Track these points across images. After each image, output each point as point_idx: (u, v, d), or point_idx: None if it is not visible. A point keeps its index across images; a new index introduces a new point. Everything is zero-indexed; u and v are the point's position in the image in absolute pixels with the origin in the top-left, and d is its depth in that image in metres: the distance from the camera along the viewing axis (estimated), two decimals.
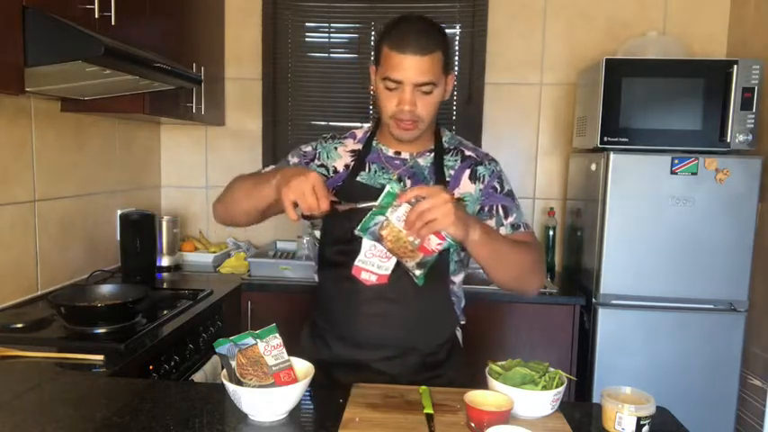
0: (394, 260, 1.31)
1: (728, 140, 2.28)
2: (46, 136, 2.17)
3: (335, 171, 1.45)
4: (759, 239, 2.28)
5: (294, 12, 3.00)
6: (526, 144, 2.99)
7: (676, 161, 2.26)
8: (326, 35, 3.03)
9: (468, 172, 1.42)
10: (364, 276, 1.33)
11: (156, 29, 2.23)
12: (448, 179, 1.41)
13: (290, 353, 1.22)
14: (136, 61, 1.78)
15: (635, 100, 2.33)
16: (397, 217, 1.18)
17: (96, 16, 1.73)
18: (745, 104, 2.26)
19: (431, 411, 1.14)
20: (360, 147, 1.47)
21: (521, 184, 2.99)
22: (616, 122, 2.34)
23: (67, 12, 1.62)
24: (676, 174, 2.27)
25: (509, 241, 1.33)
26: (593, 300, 2.38)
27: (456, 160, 1.44)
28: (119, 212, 2.51)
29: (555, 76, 2.93)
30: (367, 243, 1.31)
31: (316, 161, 1.47)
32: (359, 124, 1.54)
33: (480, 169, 1.43)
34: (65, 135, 2.28)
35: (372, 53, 1.38)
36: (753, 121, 2.27)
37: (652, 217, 2.29)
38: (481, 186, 1.42)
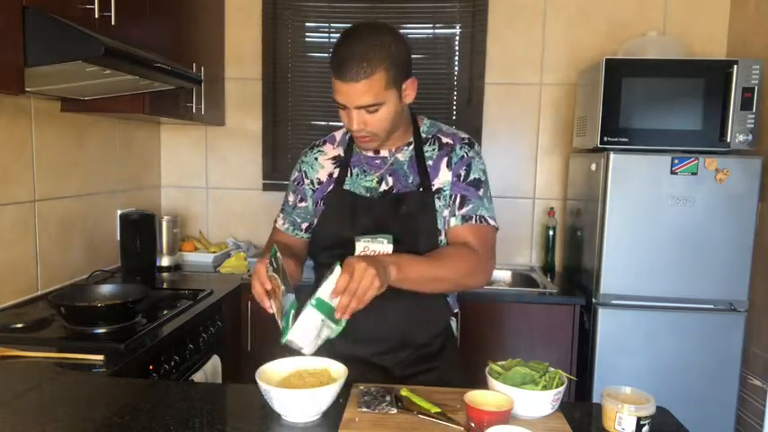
0: None
1: (728, 140, 2.28)
2: (46, 136, 2.17)
3: (320, 182, 1.47)
4: (759, 239, 2.28)
5: (294, 12, 3.00)
6: (526, 144, 2.99)
7: (676, 161, 2.26)
8: (326, 35, 3.03)
9: (445, 160, 1.43)
10: None
11: (156, 29, 2.23)
12: (429, 170, 1.42)
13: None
14: (136, 61, 1.78)
15: (635, 100, 2.33)
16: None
17: (96, 16, 1.73)
18: (745, 104, 2.26)
19: (438, 410, 1.14)
20: (340, 152, 1.48)
21: (521, 184, 3.00)
22: (616, 122, 2.34)
23: (67, 12, 1.62)
24: (676, 174, 2.27)
25: (433, 262, 1.31)
26: (593, 300, 2.38)
27: (434, 149, 1.44)
28: (119, 212, 2.51)
29: (555, 76, 2.93)
30: (360, 245, 1.35)
31: (305, 182, 1.50)
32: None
33: (452, 155, 1.43)
34: (65, 135, 2.28)
35: None
36: (753, 121, 2.27)
37: (652, 217, 2.29)
38: (451, 173, 1.42)
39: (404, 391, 1.21)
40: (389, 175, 1.42)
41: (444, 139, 1.45)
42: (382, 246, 1.35)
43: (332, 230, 1.42)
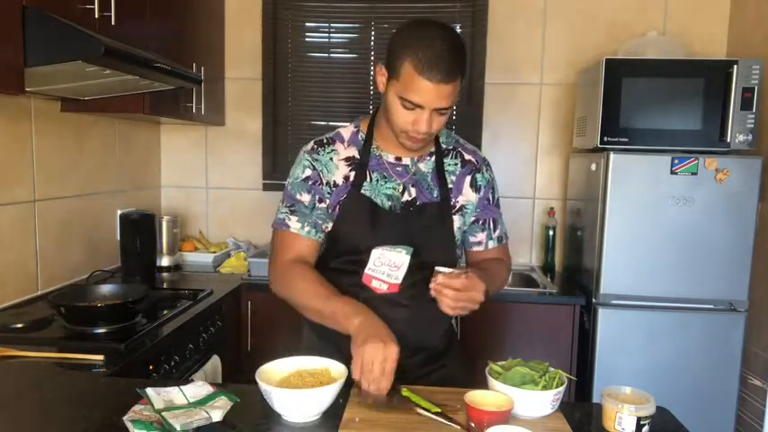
0: (404, 269, 1.32)
1: (728, 140, 2.28)
2: (46, 136, 2.17)
3: (335, 185, 1.38)
4: (759, 239, 2.28)
5: (294, 12, 3.00)
6: (526, 144, 2.99)
7: (676, 161, 2.26)
8: (326, 35, 3.03)
9: (468, 179, 1.43)
10: (375, 284, 1.34)
11: (156, 29, 2.23)
12: (450, 185, 1.41)
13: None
14: (136, 61, 1.78)
15: (635, 100, 2.33)
16: None
17: (96, 16, 1.73)
18: (745, 104, 2.26)
19: (438, 410, 1.14)
20: (354, 152, 1.40)
21: (521, 184, 3.00)
22: (616, 122, 2.34)
23: (67, 12, 1.62)
24: (676, 174, 2.27)
25: (494, 278, 1.41)
26: (593, 300, 2.38)
27: (456, 164, 1.43)
28: (119, 212, 2.51)
29: (555, 76, 2.93)
30: (375, 252, 1.33)
31: (323, 182, 1.38)
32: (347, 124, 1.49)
33: (479, 177, 1.45)
34: (65, 135, 2.28)
35: (378, 54, 1.32)
36: (753, 121, 2.27)
37: (652, 217, 2.29)
38: (479, 196, 1.45)
39: (404, 391, 1.21)
40: (412, 186, 1.39)
41: (467, 156, 1.45)
42: (399, 256, 1.32)
43: (350, 238, 1.36)
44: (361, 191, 1.37)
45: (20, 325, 1.75)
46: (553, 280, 2.72)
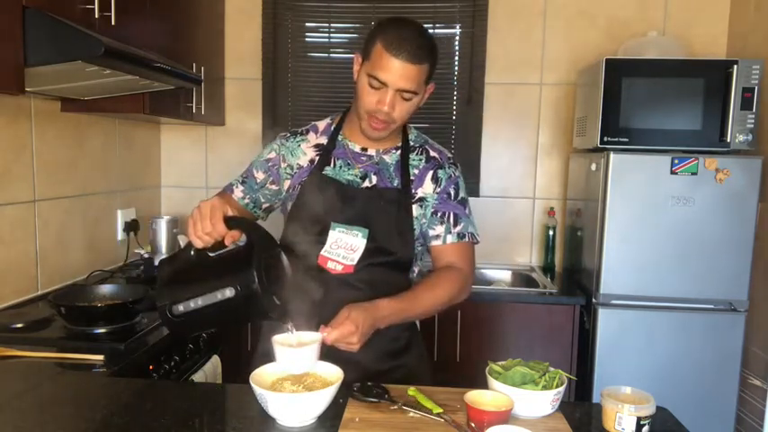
0: (359, 252, 1.37)
1: (728, 140, 2.28)
2: (46, 136, 2.17)
3: (299, 167, 1.47)
4: (759, 239, 2.28)
5: (294, 12, 3.00)
6: (526, 144, 2.99)
7: (676, 161, 2.26)
8: (326, 35, 3.03)
9: (431, 173, 1.46)
10: (330, 266, 1.39)
11: (156, 29, 2.23)
12: (412, 178, 1.45)
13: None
14: (136, 61, 1.78)
15: (635, 100, 2.33)
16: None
17: (96, 16, 1.73)
18: (745, 104, 2.26)
19: (440, 410, 1.14)
20: (324, 140, 1.48)
21: (521, 184, 3.00)
22: (616, 122, 2.34)
23: (67, 12, 1.62)
24: (676, 174, 2.27)
25: (418, 300, 1.37)
26: (593, 300, 2.38)
27: (421, 159, 1.47)
28: (119, 212, 2.51)
29: (555, 76, 2.93)
30: (333, 235, 1.38)
31: (282, 164, 1.48)
32: None
33: (440, 173, 1.47)
34: (65, 135, 2.28)
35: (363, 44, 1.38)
36: (753, 121, 2.27)
37: (652, 217, 2.29)
38: (438, 189, 1.46)
39: (411, 391, 1.20)
40: (374, 174, 1.43)
41: (432, 153, 1.49)
42: (356, 239, 1.38)
43: (308, 215, 1.41)
44: (323, 172, 1.43)
45: (20, 325, 1.75)
46: (553, 280, 2.72)
